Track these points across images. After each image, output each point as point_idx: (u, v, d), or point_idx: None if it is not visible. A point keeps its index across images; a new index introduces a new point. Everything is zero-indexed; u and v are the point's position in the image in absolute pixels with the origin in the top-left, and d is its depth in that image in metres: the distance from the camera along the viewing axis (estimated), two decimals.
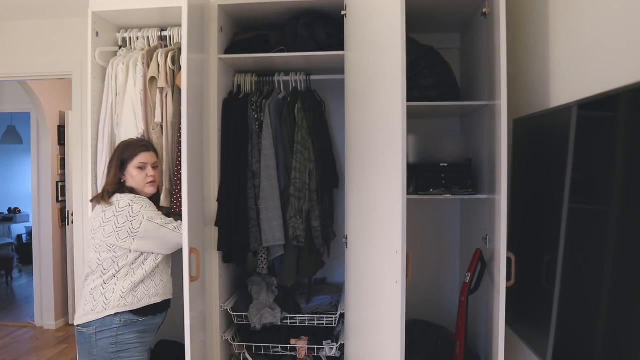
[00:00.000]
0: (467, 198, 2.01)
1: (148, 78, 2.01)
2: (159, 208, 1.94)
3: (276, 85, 2.40)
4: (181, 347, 1.85)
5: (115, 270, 1.77)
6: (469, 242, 2.23)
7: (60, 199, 4.40)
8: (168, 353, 2.26)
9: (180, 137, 1.90)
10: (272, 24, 2.37)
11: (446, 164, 1.93)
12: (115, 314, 1.75)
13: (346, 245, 2.04)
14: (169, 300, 1.95)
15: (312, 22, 2.22)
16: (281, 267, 2.24)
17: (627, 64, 1.13)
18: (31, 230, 4.87)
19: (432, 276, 2.48)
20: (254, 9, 2.24)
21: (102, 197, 1.83)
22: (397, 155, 1.38)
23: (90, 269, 1.81)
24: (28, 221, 7.11)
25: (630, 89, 1.04)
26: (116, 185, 1.86)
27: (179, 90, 1.94)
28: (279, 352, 2.26)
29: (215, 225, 2.19)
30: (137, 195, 1.85)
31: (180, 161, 1.92)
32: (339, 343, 2.22)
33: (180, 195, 1.93)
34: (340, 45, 2.13)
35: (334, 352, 2.21)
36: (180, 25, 2.02)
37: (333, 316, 2.23)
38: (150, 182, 1.91)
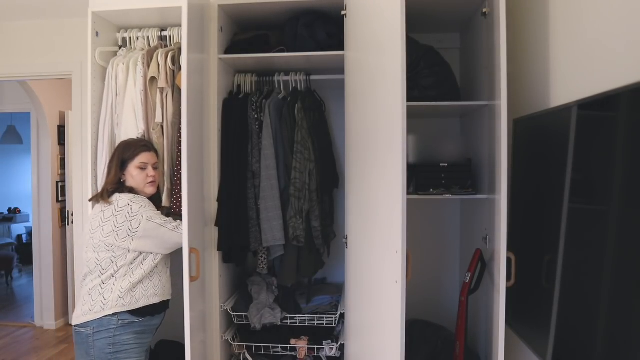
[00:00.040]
0: (467, 198, 2.01)
1: (148, 78, 2.01)
2: (158, 208, 1.94)
3: (276, 85, 2.40)
4: (181, 347, 1.85)
5: (114, 270, 1.77)
6: (469, 242, 2.23)
7: (60, 199, 4.40)
8: (168, 353, 2.26)
9: (180, 137, 1.90)
10: (272, 24, 2.37)
11: (446, 164, 1.93)
12: (113, 314, 1.74)
13: (346, 245, 2.04)
14: (168, 301, 1.94)
15: (312, 22, 2.22)
16: (281, 267, 2.24)
17: (627, 64, 1.13)
18: (31, 230, 4.87)
19: (432, 276, 2.48)
20: (254, 9, 2.24)
21: (102, 196, 1.82)
22: (397, 155, 1.38)
23: (89, 269, 1.80)
24: (28, 221, 7.11)
25: (630, 89, 1.04)
26: (116, 184, 1.86)
27: (179, 90, 1.94)
28: (279, 352, 2.26)
29: (215, 225, 2.19)
30: (136, 195, 1.85)
31: (180, 161, 1.92)
32: (339, 343, 2.22)
33: (180, 195, 1.93)
34: (340, 45, 2.13)
35: (334, 352, 2.21)
36: (180, 25, 2.02)
37: (333, 316, 2.23)
38: (151, 182, 1.91)
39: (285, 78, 2.38)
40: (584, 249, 1.26)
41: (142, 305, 1.80)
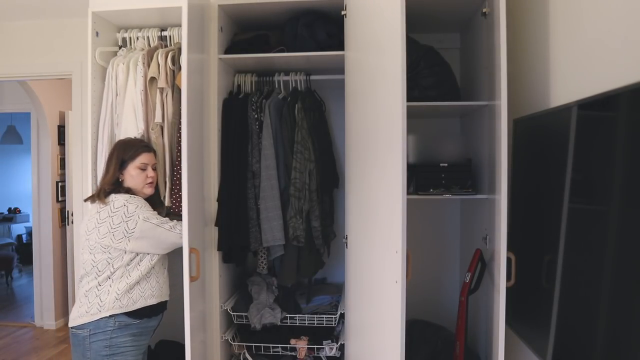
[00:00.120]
0: (467, 198, 2.01)
1: (148, 78, 2.01)
2: (155, 208, 1.93)
3: (276, 85, 2.40)
4: (181, 347, 1.85)
5: (110, 272, 1.75)
6: (469, 242, 2.23)
7: (60, 199, 4.40)
8: (168, 353, 2.26)
9: (180, 137, 1.90)
10: (272, 24, 2.37)
11: (446, 164, 1.93)
12: (109, 316, 1.73)
13: (346, 245, 2.04)
14: (165, 302, 1.93)
15: (312, 22, 2.22)
16: (281, 267, 2.24)
17: (627, 64, 1.13)
18: (31, 230, 4.87)
19: (432, 276, 2.48)
20: (254, 9, 2.24)
21: (99, 196, 1.80)
22: (397, 155, 1.38)
23: (85, 271, 1.79)
24: (28, 221, 7.11)
25: (630, 89, 1.04)
26: (113, 185, 1.84)
27: (179, 90, 1.94)
28: (279, 352, 2.26)
29: (215, 225, 2.19)
30: (132, 196, 1.83)
31: (180, 161, 1.92)
32: (339, 343, 2.22)
33: (180, 195, 1.93)
34: (340, 45, 2.13)
35: (334, 352, 2.21)
36: (180, 25, 2.02)
37: (333, 316, 2.23)
38: (150, 183, 1.91)
39: (285, 78, 2.38)
40: (584, 249, 1.26)
41: (139, 307, 1.79)
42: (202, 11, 2.10)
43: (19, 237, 6.94)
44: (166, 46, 2.14)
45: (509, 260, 1.60)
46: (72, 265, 4.24)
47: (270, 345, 2.25)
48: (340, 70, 2.14)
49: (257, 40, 2.30)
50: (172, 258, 2.01)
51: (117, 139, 2.04)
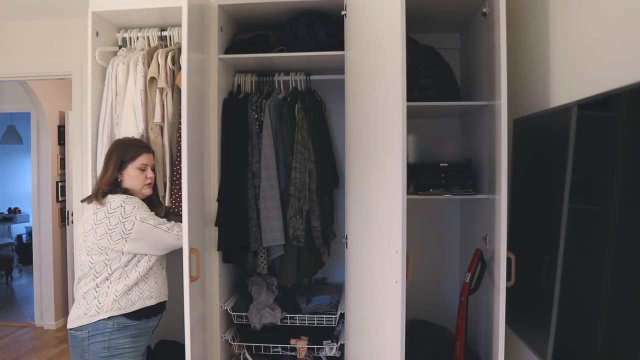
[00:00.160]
0: (467, 198, 2.01)
1: (148, 78, 2.01)
2: (152, 208, 1.93)
3: (276, 85, 2.40)
4: (181, 347, 1.85)
5: (108, 273, 1.74)
6: (469, 242, 2.23)
7: (60, 199, 4.40)
8: (168, 353, 2.26)
9: (180, 137, 1.90)
10: (272, 24, 2.37)
11: (446, 164, 1.93)
12: (108, 317, 1.72)
13: (346, 245, 2.04)
14: (164, 302, 1.92)
15: (312, 22, 2.22)
16: (281, 267, 2.24)
17: (627, 64, 1.13)
18: (31, 230, 4.87)
19: (432, 276, 2.48)
20: (254, 9, 2.24)
21: (96, 196, 1.79)
22: (397, 155, 1.38)
23: (83, 272, 1.77)
24: (28, 221, 7.11)
25: (630, 89, 1.04)
26: (111, 185, 1.83)
27: (179, 90, 1.94)
28: (279, 352, 2.26)
29: (215, 225, 2.19)
30: (129, 196, 1.81)
31: (179, 161, 1.92)
32: (339, 343, 2.22)
33: (180, 195, 1.93)
34: (340, 45, 2.13)
35: (334, 352, 2.21)
36: (180, 25, 2.02)
37: (333, 316, 2.23)
38: (148, 183, 1.90)
39: (285, 78, 2.38)
40: (584, 249, 1.26)
41: (138, 308, 1.78)
42: (202, 11, 2.10)
43: (19, 237, 6.94)
44: (166, 46, 2.14)
45: (509, 260, 1.60)
46: (72, 265, 4.24)
47: (270, 345, 2.25)
48: (340, 70, 2.14)
49: (257, 40, 2.30)
50: (172, 258, 2.01)
51: (116, 139, 2.04)
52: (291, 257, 2.20)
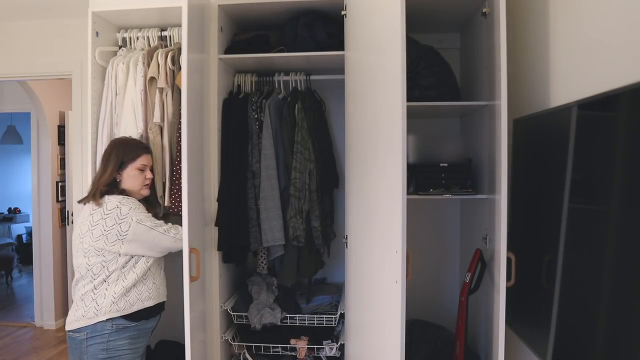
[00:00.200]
0: (467, 198, 2.01)
1: (148, 78, 2.01)
2: (152, 208, 1.93)
3: (276, 85, 2.40)
4: (181, 347, 1.85)
5: (106, 275, 1.72)
6: (469, 242, 2.23)
7: (60, 199, 4.40)
8: (168, 353, 2.26)
9: (180, 137, 1.90)
10: (272, 24, 2.37)
11: (446, 164, 1.93)
12: (107, 319, 1.71)
13: (346, 245, 2.04)
14: (163, 302, 1.91)
15: (312, 22, 2.22)
16: (281, 267, 2.24)
17: (627, 63, 1.13)
18: (31, 230, 4.87)
19: (432, 276, 2.48)
20: (254, 9, 2.24)
21: (94, 196, 1.77)
22: (397, 155, 1.38)
23: (80, 274, 1.75)
24: (28, 221, 7.11)
25: (630, 89, 1.04)
26: (109, 185, 1.80)
27: (179, 90, 1.94)
28: (279, 352, 2.26)
29: (215, 225, 2.19)
30: (125, 197, 1.80)
31: (179, 161, 1.92)
32: (339, 343, 2.22)
33: (179, 195, 1.93)
34: (340, 45, 2.13)
35: (334, 352, 2.21)
36: (180, 25, 2.02)
37: (333, 316, 2.23)
38: (147, 184, 1.89)
39: (285, 78, 2.38)
40: (584, 249, 1.26)
41: (136, 310, 1.76)
42: (202, 11, 2.10)
43: (19, 237, 6.94)
44: (166, 46, 2.14)
45: (509, 260, 1.60)
46: (72, 265, 4.20)
47: (270, 345, 2.25)
48: (340, 70, 2.14)
49: (257, 40, 2.30)
50: (172, 258, 2.01)
51: None
52: (291, 257, 2.20)
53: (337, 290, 2.47)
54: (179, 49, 1.99)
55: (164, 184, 2.04)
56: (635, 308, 1.01)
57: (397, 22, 1.37)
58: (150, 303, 1.81)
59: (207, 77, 2.16)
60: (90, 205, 1.77)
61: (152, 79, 2.02)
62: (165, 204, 2.02)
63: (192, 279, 1.82)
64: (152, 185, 1.97)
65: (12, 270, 6.11)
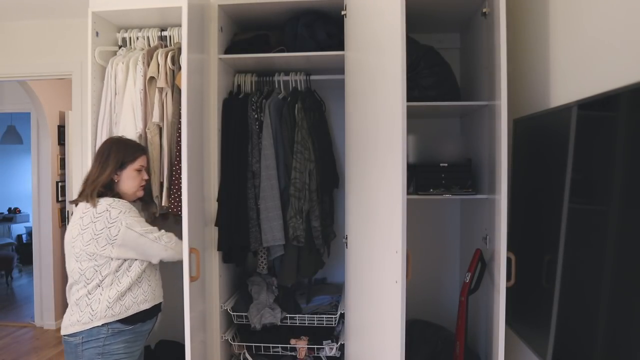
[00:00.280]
0: (467, 198, 2.01)
1: (147, 77, 2.01)
2: (148, 207, 1.91)
3: (276, 85, 2.40)
4: (181, 347, 1.85)
5: (99, 280, 1.68)
6: (469, 242, 2.23)
7: (60, 199, 4.40)
8: (168, 353, 2.26)
9: (179, 137, 1.90)
10: (272, 24, 2.37)
11: (446, 164, 1.93)
12: (102, 324, 1.68)
13: (346, 245, 2.04)
14: (160, 304, 1.89)
15: (312, 22, 2.22)
16: (281, 267, 2.24)
17: (627, 63, 1.13)
18: (31, 230, 4.87)
19: (432, 276, 2.48)
20: (254, 9, 2.24)
21: (91, 195, 1.72)
22: (397, 155, 1.38)
23: (73, 279, 1.72)
24: (28, 221, 7.10)
25: (630, 89, 1.04)
26: (106, 186, 1.76)
27: (179, 90, 1.94)
28: (279, 352, 2.26)
29: (215, 225, 2.19)
30: (116, 199, 1.74)
31: (179, 161, 1.92)
32: (339, 343, 2.22)
33: (179, 195, 1.93)
34: (340, 45, 2.13)
35: (334, 352, 2.21)
36: (180, 25, 2.02)
37: (333, 316, 2.22)
38: (143, 185, 1.88)
39: (285, 78, 2.38)
40: (584, 249, 1.26)
41: (132, 313, 1.73)
42: (202, 11, 2.10)
43: (19, 237, 6.94)
44: (166, 46, 2.14)
45: (509, 260, 1.60)
46: None
47: (270, 345, 2.25)
48: (340, 70, 2.14)
49: (257, 40, 2.30)
50: None
51: None
52: (291, 257, 2.20)
53: (337, 290, 2.47)
54: (179, 49, 1.99)
55: (161, 183, 2.03)
56: (635, 308, 1.01)
57: (397, 22, 1.37)
58: (146, 306, 1.78)
59: (207, 77, 2.16)
60: (82, 207, 1.73)
61: (152, 78, 2.02)
62: (163, 204, 2.02)
63: (192, 279, 1.82)
64: (146, 186, 1.94)
65: (12, 270, 6.11)
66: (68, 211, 4.23)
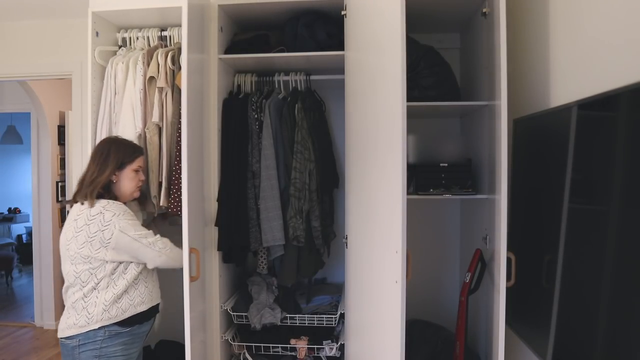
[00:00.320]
0: (467, 198, 2.01)
1: (147, 77, 2.01)
2: (145, 205, 1.90)
3: (276, 85, 2.40)
4: (181, 347, 1.85)
5: (95, 283, 1.67)
6: (469, 242, 2.23)
7: (60, 199, 4.40)
8: (168, 353, 2.26)
9: (179, 136, 1.89)
10: (272, 24, 2.37)
11: (446, 164, 1.93)
12: (99, 327, 1.67)
13: (346, 245, 2.04)
14: (157, 305, 1.88)
15: (312, 22, 2.22)
16: (281, 267, 2.24)
17: (627, 63, 1.13)
18: (31, 230, 4.87)
19: (432, 276, 2.48)
20: (254, 9, 2.24)
21: (91, 196, 1.69)
22: (397, 155, 1.38)
23: (69, 282, 1.71)
24: (28, 221, 7.10)
25: (630, 89, 1.04)
26: (104, 187, 1.74)
27: (179, 90, 1.94)
28: (279, 352, 2.26)
29: (215, 225, 2.19)
30: (110, 201, 1.71)
31: (179, 161, 1.92)
32: (339, 343, 2.22)
33: (179, 195, 1.93)
34: (340, 45, 2.13)
35: (334, 352, 2.21)
36: (180, 25, 2.02)
37: (333, 316, 2.22)
38: (140, 186, 1.87)
39: (285, 78, 2.38)
40: (584, 249, 1.26)
41: (129, 316, 1.72)
42: (202, 11, 2.10)
43: (19, 237, 6.94)
44: (166, 46, 2.14)
45: (509, 260, 1.60)
46: None
47: (270, 345, 2.25)
48: (340, 70, 2.14)
49: (257, 40, 2.30)
50: None
51: None
52: (291, 257, 2.20)
53: (337, 290, 2.47)
54: (179, 49, 1.99)
55: (160, 183, 2.03)
56: (635, 308, 1.01)
57: (397, 22, 1.37)
58: (143, 308, 1.77)
59: (207, 77, 2.16)
60: (76, 209, 1.72)
61: (152, 78, 2.02)
62: (161, 204, 2.01)
63: (192, 279, 1.82)
64: (142, 186, 1.93)
65: (12, 270, 6.11)
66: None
